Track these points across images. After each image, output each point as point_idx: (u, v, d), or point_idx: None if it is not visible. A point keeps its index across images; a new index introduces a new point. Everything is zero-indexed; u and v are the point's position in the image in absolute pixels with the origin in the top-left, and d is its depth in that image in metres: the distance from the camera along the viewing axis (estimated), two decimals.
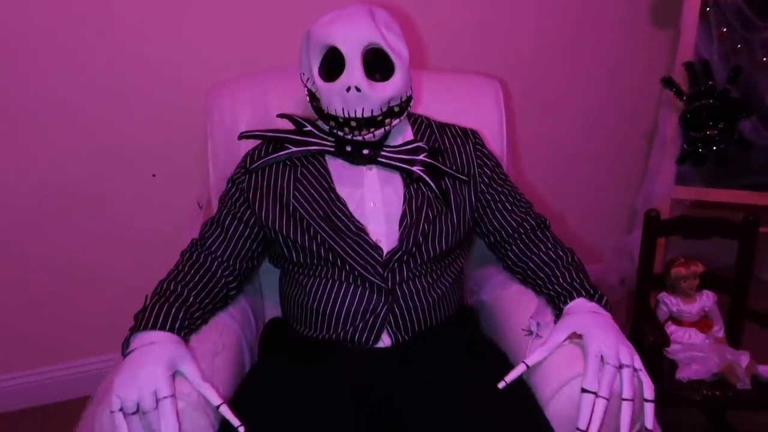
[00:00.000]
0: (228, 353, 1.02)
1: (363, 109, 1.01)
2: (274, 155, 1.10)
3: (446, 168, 1.11)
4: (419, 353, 1.03)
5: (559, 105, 1.99)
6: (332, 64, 1.02)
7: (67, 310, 1.72)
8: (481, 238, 1.21)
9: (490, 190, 1.16)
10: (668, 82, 1.70)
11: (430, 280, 1.07)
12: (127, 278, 1.70)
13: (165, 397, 0.82)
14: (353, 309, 1.03)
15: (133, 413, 0.81)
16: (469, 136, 1.19)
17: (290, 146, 1.10)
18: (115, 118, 1.59)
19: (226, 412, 0.85)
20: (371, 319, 1.03)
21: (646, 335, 1.38)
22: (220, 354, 0.99)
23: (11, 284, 1.65)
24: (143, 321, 0.91)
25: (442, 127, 1.20)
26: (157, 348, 0.86)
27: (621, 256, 2.03)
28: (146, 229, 1.70)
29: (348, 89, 0.99)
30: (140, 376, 0.82)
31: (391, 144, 1.12)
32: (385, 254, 1.04)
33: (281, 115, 1.15)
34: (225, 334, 1.05)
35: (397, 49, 1.05)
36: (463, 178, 1.12)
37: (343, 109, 1.01)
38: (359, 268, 1.02)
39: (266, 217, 1.08)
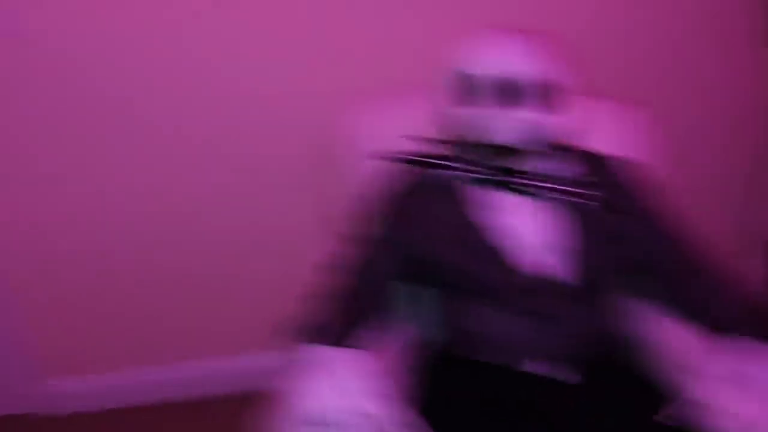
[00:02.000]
0: (397, 373, 1.08)
1: (509, 137, 1.04)
2: (420, 179, 1.14)
3: (593, 197, 1.10)
4: (592, 385, 1.03)
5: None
6: (479, 92, 1.05)
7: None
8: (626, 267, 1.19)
9: (633, 220, 1.14)
10: None
11: (587, 309, 1.08)
12: (244, 286, 1.78)
13: (362, 413, 0.87)
14: (511, 335, 1.05)
15: (325, 425, 0.87)
16: (614, 163, 1.18)
17: (434, 171, 1.13)
18: (230, 126, 1.62)
19: (420, 428, 0.91)
20: (532, 346, 1.05)
21: None
22: (394, 373, 1.05)
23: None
24: (326, 337, 0.99)
25: (589, 155, 1.19)
26: (351, 364, 0.93)
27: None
28: (259, 238, 1.74)
29: (495, 118, 1.02)
30: (340, 390, 0.88)
31: (536, 172, 1.11)
32: (541, 281, 1.05)
33: (421, 139, 1.17)
34: (391, 354, 1.11)
35: (549, 79, 1.06)
36: (610, 206, 1.11)
37: (488, 137, 1.04)
38: (515, 296, 1.04)
39: (413, 241, 1.11)
